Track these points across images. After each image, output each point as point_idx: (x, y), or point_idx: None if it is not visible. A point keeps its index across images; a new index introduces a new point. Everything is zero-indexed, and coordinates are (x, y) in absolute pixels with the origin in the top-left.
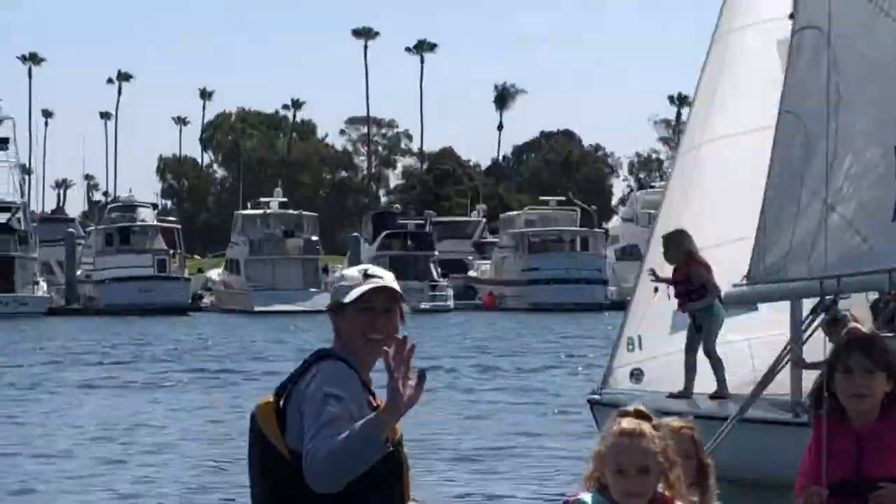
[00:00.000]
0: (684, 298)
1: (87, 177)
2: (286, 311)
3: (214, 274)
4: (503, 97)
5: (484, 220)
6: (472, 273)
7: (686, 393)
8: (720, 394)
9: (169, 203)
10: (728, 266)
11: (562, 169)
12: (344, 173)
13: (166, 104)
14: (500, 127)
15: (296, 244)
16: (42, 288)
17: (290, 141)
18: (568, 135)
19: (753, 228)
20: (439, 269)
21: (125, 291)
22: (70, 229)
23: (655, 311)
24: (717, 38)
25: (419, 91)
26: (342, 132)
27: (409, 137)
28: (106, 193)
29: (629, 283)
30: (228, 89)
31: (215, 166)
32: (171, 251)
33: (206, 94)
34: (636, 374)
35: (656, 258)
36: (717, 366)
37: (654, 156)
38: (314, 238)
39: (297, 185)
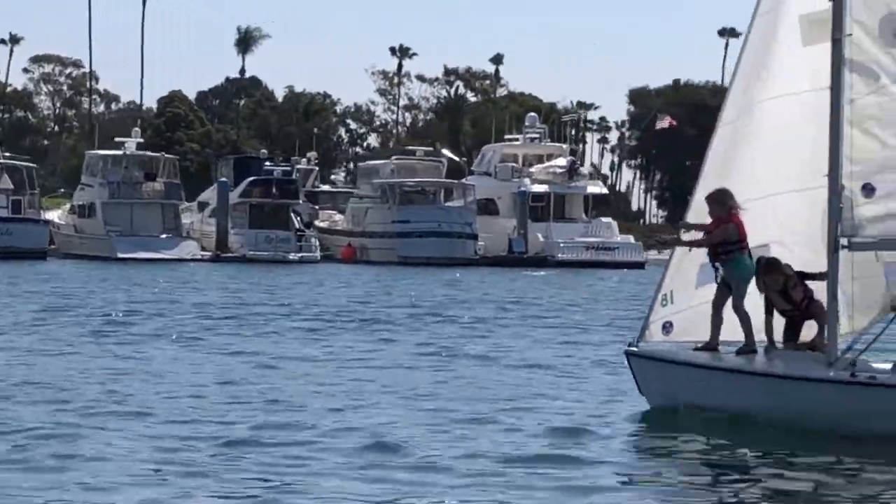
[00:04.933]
0: (716, 252)
1: None
2: (152, 258)
3: (55, 216)
4: (246, 40)
5: (316, 168)
6: (319, 223)
7: (711, 346)
8: (748, 348)
9: None
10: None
11: (297, 118)
12: (21, 113)
13: None
14: (241, 72)
15: (156, 188)
16: None
17: None
18: (255, 82)
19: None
20: (300, 218)
21: None
22: None
23: (686, 266)
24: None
25: (140, 32)
26: (25, 70)
27: (97, 79)
28: None
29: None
30: None
31: None
32: (25, 191)
33: None
34: (666, 327)
35: (700, 216)
36: (744, 320)
37: (370, 107)
38: (176, 181)
39: None
